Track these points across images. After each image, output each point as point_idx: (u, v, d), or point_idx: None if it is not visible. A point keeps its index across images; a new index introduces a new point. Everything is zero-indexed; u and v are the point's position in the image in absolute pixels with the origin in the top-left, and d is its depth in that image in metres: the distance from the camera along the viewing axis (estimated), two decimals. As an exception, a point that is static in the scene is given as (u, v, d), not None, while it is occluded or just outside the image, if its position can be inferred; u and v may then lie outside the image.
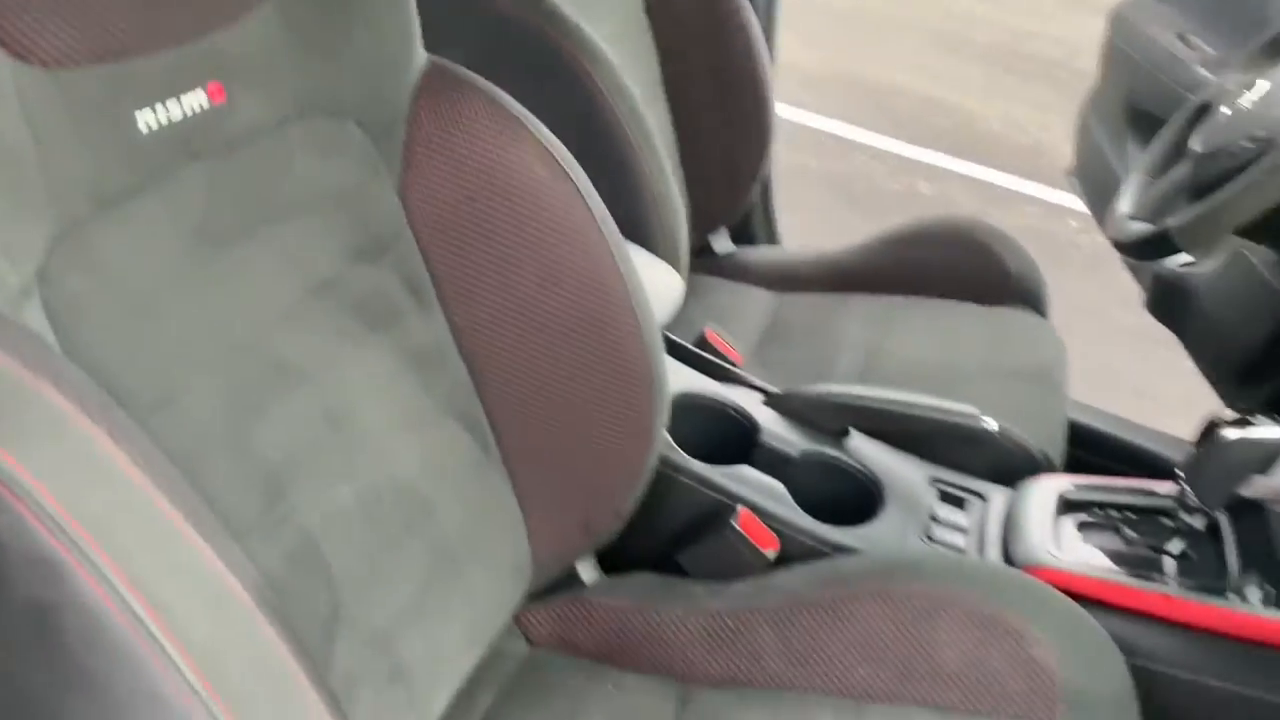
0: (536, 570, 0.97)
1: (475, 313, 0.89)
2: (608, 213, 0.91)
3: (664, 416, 0.96)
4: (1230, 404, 1.54)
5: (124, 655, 0.47)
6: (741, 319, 1.48)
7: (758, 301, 1.57)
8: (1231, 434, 0.94)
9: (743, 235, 1.77)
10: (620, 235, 0.92)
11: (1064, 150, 3.44)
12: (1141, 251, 1.19)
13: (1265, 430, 0.94)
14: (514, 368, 0.91)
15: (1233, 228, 1.03)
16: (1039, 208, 3.22)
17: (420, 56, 0.87)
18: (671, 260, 1.24)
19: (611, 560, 1.06)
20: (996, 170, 3.45)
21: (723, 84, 1.51)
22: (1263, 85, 1.15)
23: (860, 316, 1.50)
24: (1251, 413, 0.96)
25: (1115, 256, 1.98)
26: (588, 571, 1.05)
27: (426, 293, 0.88)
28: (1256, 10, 1.73)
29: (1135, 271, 1.83)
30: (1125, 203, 1.24)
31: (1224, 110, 1.17)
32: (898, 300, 1.52)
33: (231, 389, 0.70)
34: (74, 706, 0.46)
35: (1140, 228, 1.17)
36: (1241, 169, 1.04)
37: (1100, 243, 1.99)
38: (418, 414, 0.86)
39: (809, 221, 2.02)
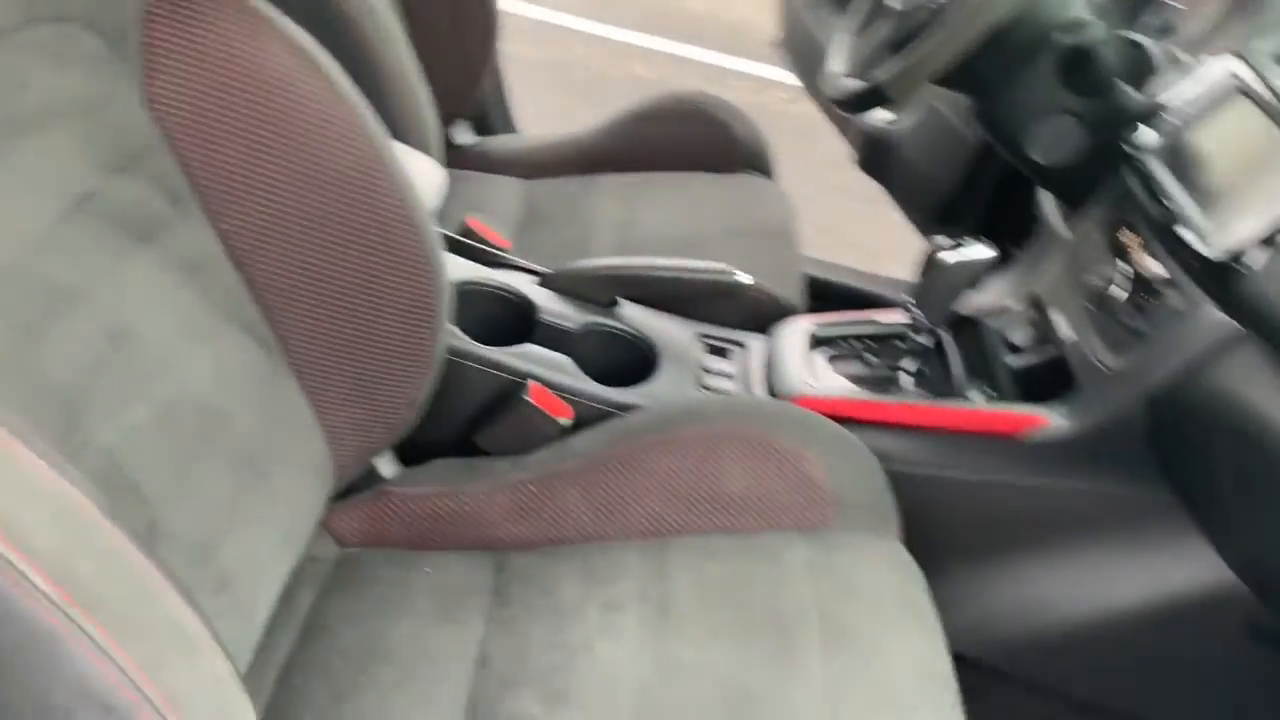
0: (339, 470, 0.98)
1: (241, 217, 0.87)
2: (365, 103, 0.91)
3: (446, 304, 0.98)
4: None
5: None
6: (496, 208, 1.51)
7: (509, 189, 1.59)
8: (948, 258, 1.08)
9: (481, 127, 1.78)
10: (380, 126, 0.92)
11: (766, 25, 3.60)
12: (855, 105, 1.30)
13: (973, 251, 1.08)
14: (289, 270, 0.90)
15: (930, 76, 1.15)
16: (749, 82, 3.39)
17: None
18: (425, 153, 1.24)
19: (412, 453, 1.08)
20: (706, 49, 3.59)
21: None
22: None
23: (609, 195, 1.56)
24: (963, 238, 1.09)
25: (823, 124, 2.14)
26: (388, 466, 1.07)
27: (186, 201, 0.85)
28: None
29: (844, 133, 1.98)
30: (836, 62, 1.35)
31: (915, -30, 1.29)
32: (641, 177, 1.59)
33: (5, 317, 0.66)
34: None
35: (852, 84, 1.28)
36: (932, 21, 1.16)
37: (808, 111, 2.14)
38: (199, 325, 0.84)
39: (535, 111, 2.05)
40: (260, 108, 0.85)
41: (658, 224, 1.48)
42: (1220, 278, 0.92)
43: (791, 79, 2.19)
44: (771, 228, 1.51)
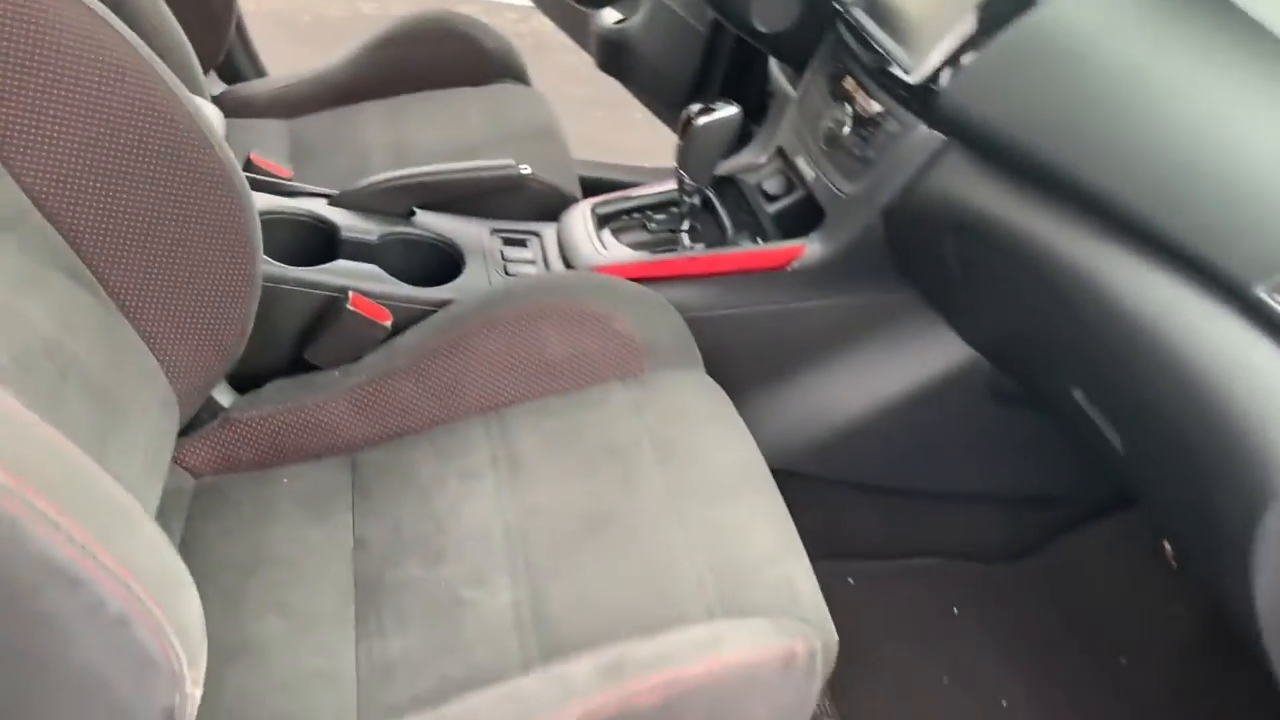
0: (182, 402, 1.03)
1: (42, 170, 0.89)
2: (140, 40, 0.93)
3: (257, 230, 1.03)
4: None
5: None
6: (265, 151, 1.53)
7: (272, 132, 1.61)
8: (701, 120, 1.22)
9: (230, 76, 1.77)
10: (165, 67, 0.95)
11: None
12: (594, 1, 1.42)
13: (722, 111, 1.22)
14: (101, 215, 0.92)
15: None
16: (477, 6, 3.42)
17: None
18: (192, 97, 1.25)
19: (249, 383, 1.13)
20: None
21: None
22: None
23: (375, 120, 1.61)
24: (713, 103, 1.24)
25: (556, 41, 2.22)
26: (226, 395, 1.11)
27: None
28: None
29: (580, 41, 2.09)
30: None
31: None
32: (402, 99, 1.65)
33: None
34: None
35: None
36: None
37: (539, 28, 2.22)
38: (27, 278, 0.86)
39: (268, 62, 2.03)
40: (43, 59, 0.87)
41: (428, 140, 1.55)
42: (923, 99, 1.11)
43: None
44: (538, 128, 1.61)
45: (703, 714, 0.78)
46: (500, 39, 1.75)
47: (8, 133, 0.87)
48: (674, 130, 1.74)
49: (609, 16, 1.94)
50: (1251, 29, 0.90)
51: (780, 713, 0.82)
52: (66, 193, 0.91)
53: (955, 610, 1.41)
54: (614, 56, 1.94)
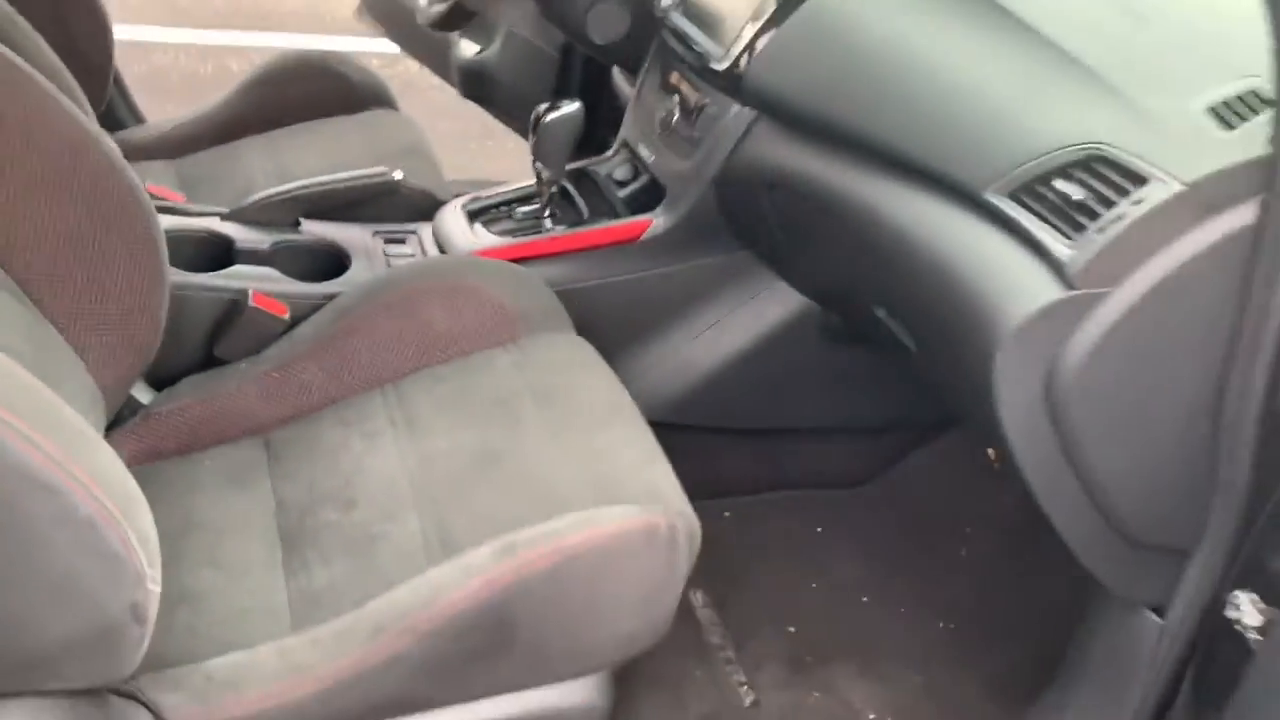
0: (106, 398, 1.15)
1: None
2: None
3: (163, 239, 1.16)
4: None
5: None
6: (156, 185, 1.65)
7: (159, 170, 1.73)
8: (549, 116, 1.40)
9: (111, 124, 1.88)
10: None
11: (331, 5, 3.79)
12: (446, 24, 1.59)
13: (566, 106, 1.40)
14: (28, 232, 1.05)
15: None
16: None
17: None
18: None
19: (164, 383, 1.25)
20: (288, 34, 3.71)
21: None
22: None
23: (256, 152, 1.74)
24: (558, 102, 1.41)
25: (427, 83, 2.37)
26: (145, 393, 1.24)
27: None
28: None
29: (444, 74, 2.25)
30: (422, -1, 1.63)
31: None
32: (280, 131, 1.79)
33: None
34: None
35: (439, 7, 1.56)
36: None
37: (404, 71, 2.37)
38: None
39: (148, 114, 2.14)
40: None
41: (308, 162, 1.69)
42: (732, 82, 1.31)
43: (380, 47, 2.42)
44: (408, 145, 1.76)
45: (584, 579, 0.94)
46: (367, 71, 1.90)
47: None
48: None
49: (467, 49, 2.11)
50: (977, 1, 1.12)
51: (650, 578, 0.99)
52: None
53: (819, 530, 1.61)
54: (475, 84, 2.11)
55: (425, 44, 2.24)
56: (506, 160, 2.55)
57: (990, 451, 1.57)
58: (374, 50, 3.35)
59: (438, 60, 2.26)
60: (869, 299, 1.24)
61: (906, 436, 1.66)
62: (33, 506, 0.71)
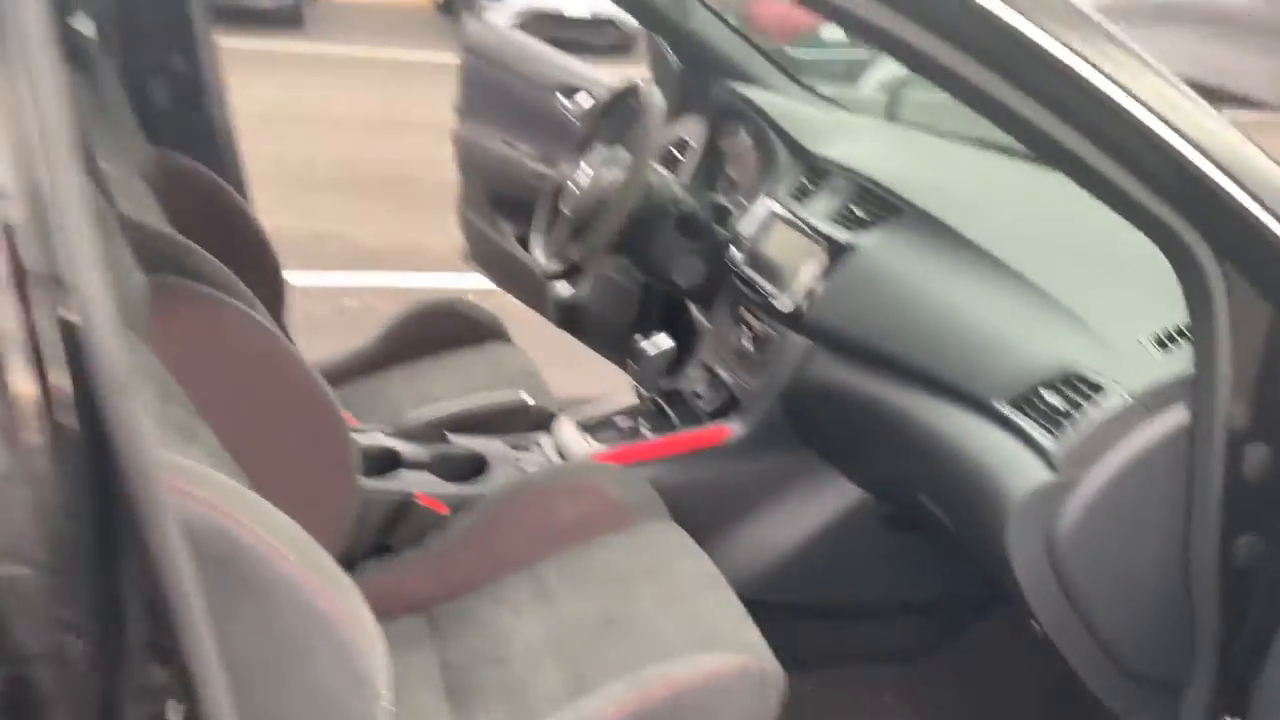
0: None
1: (223, 420, 1.37)
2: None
3: (356, 453, 1.50)
4: (626, 369, 2.42)
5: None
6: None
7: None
8: (648, 348, 1.76)
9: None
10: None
11: (435, 243, 4.30)
12: (564, 277, 1.99)
13: (661, 342, 1.76)
14: (252, 449, 1.39)
15: (605, 248, 1.85)
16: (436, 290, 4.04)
17: None
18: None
19: (345, 568, 1.57)
20: (394, 272, 4.24)
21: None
22: (587, 169, 2.00)
23: (405, 382, 2.12)
24: (653, 333, 1.78)
25: (518, 314, 2.77)
26: (333, 576, 1.55)
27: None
28: (551, 119, 2.60)
29: (540, 309, 2.65)
30: (539, 253, 2.02)
31: (572, 188, 2.00)
32: (423, 363, 2.17)
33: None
34: None
35: (557, 265, 1.96)
36: (597, 215, 1.87)
37: (501, 305, 2.75)
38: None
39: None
40: (224, 362, 1.36)
41: (446, 389, 2.06)
42: (794, 320, 1.66)
43: (475, 282, 2.84)
44: (521, 370, 2.13)
45: (692, 710, 1.21)
46: (486, 312, 2.30)
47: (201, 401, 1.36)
48: (618, 363, 2.28)
49: (564, 290, 2.52)
50: (978, 254, 1.47)
51: (745, 713, 1.25)
52: (232, 428, 1.38)
53: (887, 700, 1.83)
54: (570, 317, 2.50)
55: (521, 283, 2.65)
56: (588, 380, 2.91)
57: (1035, 624, 1.81)
58: (469, 287, 3.81)
59: (532, 296, 2.67)
60: (913, 487, 1.54)
61: (966, 610, 1.90)
62: (307, 626, 1.00)
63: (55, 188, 0.69)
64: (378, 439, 1.74)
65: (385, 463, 1.71)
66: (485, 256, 2.85)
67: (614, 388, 2.34)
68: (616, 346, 2.46)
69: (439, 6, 13.06)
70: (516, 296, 2.82)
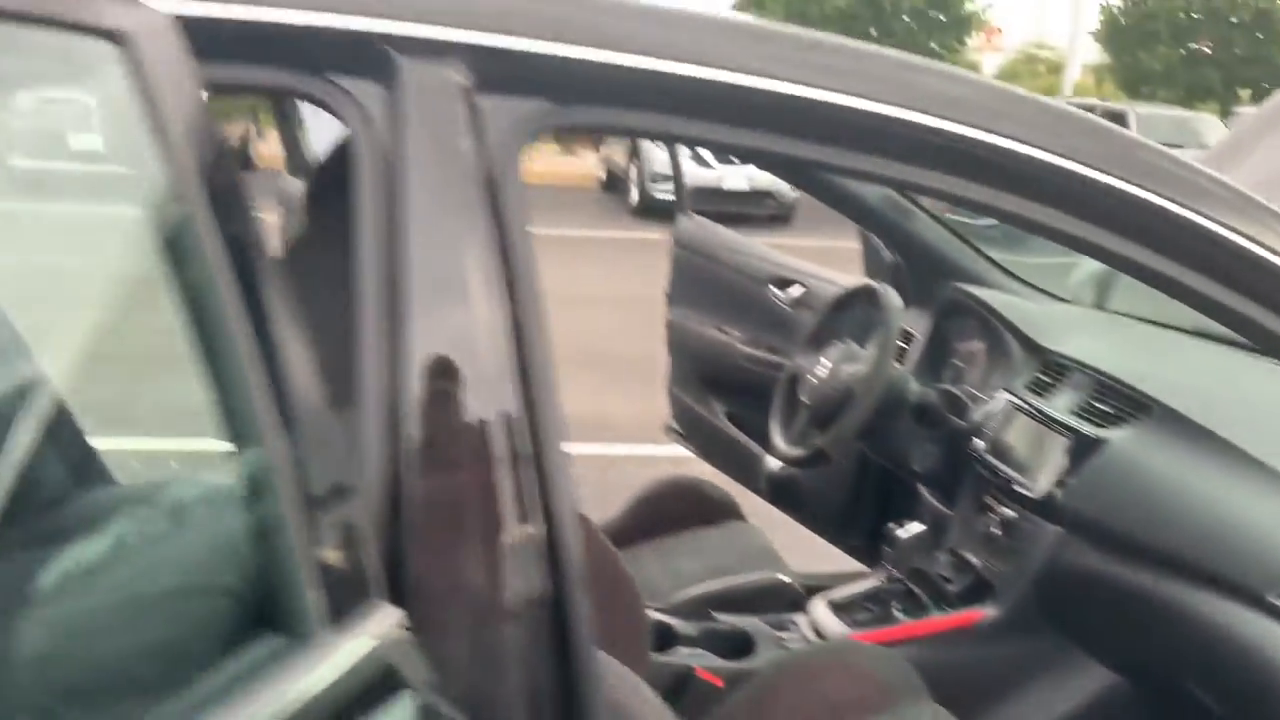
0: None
1: None
2: None
3: (649, 627, 1.67)
4: (842, 547, 2.53)
5: None
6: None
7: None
8: (903, 534, 1.89)
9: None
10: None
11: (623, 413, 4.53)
12: (805, 463, 2.15)
13: (914, 528, 1.89)
14: None
15: (851, 437, 2.01)
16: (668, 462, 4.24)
17: None
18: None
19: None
20: (590, 444, 4.49)
21: None
22: (825, 362, 2.18)
23: (652, 560, 2.29)
24: (905, 523, 1.91)
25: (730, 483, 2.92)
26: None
27: None
28: (763, 308, 2.79)
29: (747, 482, 2.79)
30: (779, 440, 2.20)
31: (810, 379, 2.18)
32: (667, 541, 2.35)
33: None
34: None
35: (798, 451, 2.12)
36: (841, 406, 2.03)
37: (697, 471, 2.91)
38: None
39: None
40: None
41: (695, 571, 2.21)
42: (1046, 507, 1.77)
43: (676, 452, 3.01)
44: (760, 549, 2.28)
45: None
46: (723, 491, 2.47)
47: None
48: (827, 537, 2.38)
49: (775, 464, 2.66)
50: (1227, 447, 1.56)
51: None
52: None
53: None
54: (784, 493, 2.65)
55: (730, 458, 2.82)
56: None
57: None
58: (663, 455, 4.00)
59: (739, 471, 2.82)
60: (1181, 675, 1.60)
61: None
62: None
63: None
64: (650, 615, 1.90)
65: (662, 638, 1.87)
66: (693, 431, 3.04)
67: (817, 558, 2.45)
68: (827, 522, 2.59)
69: (603, 185, 13.91)
70: (721, 470, 2.98)
